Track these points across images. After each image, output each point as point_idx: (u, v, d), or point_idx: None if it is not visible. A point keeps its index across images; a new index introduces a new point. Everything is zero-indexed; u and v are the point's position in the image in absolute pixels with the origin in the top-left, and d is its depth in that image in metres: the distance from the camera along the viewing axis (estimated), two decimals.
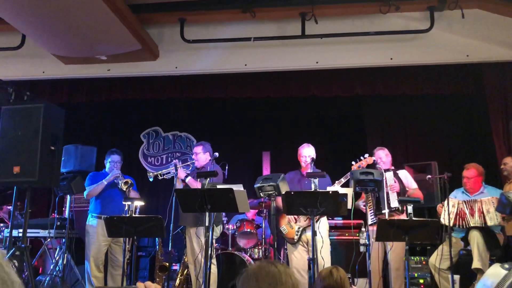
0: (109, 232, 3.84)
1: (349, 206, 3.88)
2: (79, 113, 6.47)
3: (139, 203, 4.37)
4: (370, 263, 3.92)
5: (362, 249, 3.97)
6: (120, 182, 4.81)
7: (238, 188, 3.69)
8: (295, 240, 4.32)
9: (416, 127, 6.41)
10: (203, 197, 3.46)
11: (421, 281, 4.77)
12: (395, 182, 4.34)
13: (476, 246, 4.17)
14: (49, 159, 3.56)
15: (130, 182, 4.83)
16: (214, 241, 4.26)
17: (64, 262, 4.80)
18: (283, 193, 3.69)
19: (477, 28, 4.86)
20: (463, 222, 4.29)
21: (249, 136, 7.40)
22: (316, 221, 4.19)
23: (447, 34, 4.94)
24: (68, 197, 5.15)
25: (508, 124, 4.98)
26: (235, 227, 5.46)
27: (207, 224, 3.55)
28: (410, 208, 3.59)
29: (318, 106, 6.77)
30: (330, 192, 3.57)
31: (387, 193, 4.28)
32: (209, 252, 3.58)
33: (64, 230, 5.01)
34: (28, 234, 4.57)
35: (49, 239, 5.20)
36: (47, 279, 5.01)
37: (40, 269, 5.73)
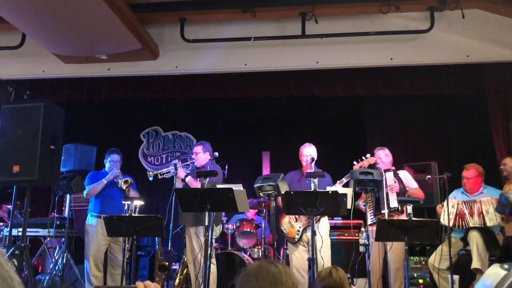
0: (108, 231, 3.84)
1: (349, 206, 3.89)
2: (79, 113, 6.48)
3: (138, 203, 4.38)
4: (370, 263, 3.93)
5: (361, 249, 3.97)
6: (120, 181, 4.81)
7: (237, 187, 3.69)
8: (296, 240, 4.32)
9: (416, 127, 6.42)
10: (203, 197, 3.46)
11: (421, 281, 4.77)
12: (395, 182, 4.34)
13: (475, 246, 4.18)
14: (49, 158, 3.56)
15: (130, 181, 4.83)
16: (213, 240, 4.26)
17: (64, 261, 4.80)
18: (283, 193, 3.69)
19: (477, 28, 4.86)
20: (463, 222, 4.30)
21: (249, 136, 7.40)
22: (317, 221, 4.20)
23: (447, 34, 4.94)
24: (68, 196, 5.15)
25: (508, 125, 4.98)
26: (234, 227, 5.47)
27: (206, 223, 3.55)
28: (409, 208, 3.60)
29: (318, 106, 6.77)
30: (330, 192, 3.57)
31: (387, 193, 4.28)
32: (209, 251, 3.58)
33: (63, 229, 5.01)
34: (27, 233, 4.57)
35: (48, 238, 5.21)
36: (46, 278, 5.01)
37: (40, 268, 5.73)
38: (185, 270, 4.85)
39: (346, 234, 5.34)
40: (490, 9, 4.74)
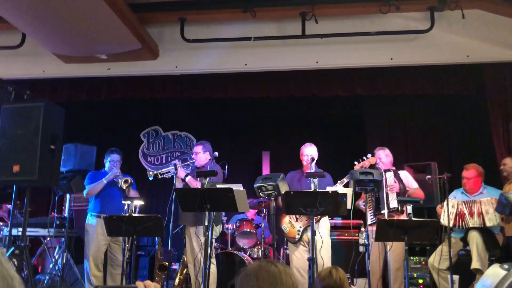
0: (108, 231, 3.84)
1: (349, 206, 3.89)
2: (79, 112, 6.47)
3: (138, 202, 4.38)
4: (370, 263, 3.93)
5: (361, 249, 3.97)
6: (120, 180, 4.81)
7: (237, 187, 3.70)
8: (296, 239, 4.32)
9: (416, 127, 6.42)
10: (203, 197, 3.46)
11: (420, 281, 4.77)
12: (395, 182, 4.33)
13: (475, 247, 4.18)
14: (48, 158, 3.56)
15: (130, 181, 4.83)
16: (213, 240, 4.26)
17: (64, 261, 4.80)
18: (283, 193, 3.69)
19: (477, 29, 4.86)
20: (463, 222, 4.30)
21: (249, 136, 7.40)
22: (317, 221, 4.20)
23: (447, 34, 4.94)
24: (68, 196, 5.15)
25: (508, 125, 4.98)
26: (234, 227, 5.47)
27: (206, 223, 3.55)
28: (409, 208, 3.60)
29: (318, 106, 6.77)
30: (330, 192, 3.57)
31: (387, 193, 4.28)
32: (209, 251, 3.58)
33: (63, 229, 5.01)
34: (27, 233, 4.56)
35: (48, 238, 5.21)
36: (46, 278, 5.01)
37: (40, 268, 5.73)
38: (185, 270, 4.85)
39: (346, 234, 5.34)
40: (490, 9, 4.74)
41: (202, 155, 4.60)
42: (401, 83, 5.58)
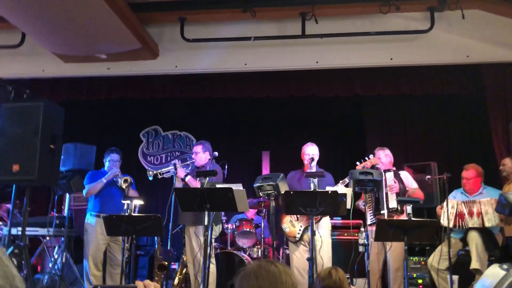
0: (108, 230, 3.83)
1: (348, 206, 3.88)
2: (79, 112, 6.47)
3: (138, 202, 4.37)
4: (369, 263, 3.93)
5: (361, 249, 3.97)
6: (119, 180, 4.81)
7: (237, 187, 3.69)
8: (297, 239, 4.31)
9: (416, 127, 6.42)
10: (202, 196, 3.46)
11: (420, 281, 4.77)
12: (395, 182, 4.33)
13: (474, 247, 4.18)
14: (48, 158, 3.56)
15: (129, 180, 4.83)
16: (213, 240, 4.26)
17: (63, 261, 4.80)
18: (282, 192, 3.69)
19: (477, 29, 4.86)
20: (462, 222, 4.30)
21: (249, 136, 7.40)
22: (318, 221, 4.19)
23: (447, 34, 4.94)
24: (67, 195, 5.15)
25: (507, 125, 4.98)
26: (234, 227, 5.46)
27: (206, 223, 3.55)
28: (409, 209, 3.60)
29: (318, 106, 6.77)
30: (329, 192, 3.57)
31: (386, 194, 4.28)
32: (208, 251, 3.58)
33: (63, 229, 5.00)
34: (27, 233, 4.55)
35: (48, 238, 5.20)
36: (45, 277, 5.00)
37: (39, 267, 5.72)
38: (185, 269, 4.85)
39: (346, 234, 5.34)
40: (490, 10, 4.74)
41: (202, 155, 4.60)
42: (401, 83, 5.58)
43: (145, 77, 5.79)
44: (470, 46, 4.92)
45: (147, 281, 1.18)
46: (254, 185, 3.90)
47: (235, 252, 5.04)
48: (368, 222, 4.29)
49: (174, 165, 4.57)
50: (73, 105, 5.87)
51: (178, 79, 5.80)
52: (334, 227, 5.42)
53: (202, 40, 5.12)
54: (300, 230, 4.30)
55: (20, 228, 3.80)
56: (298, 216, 4.31)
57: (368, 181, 3.81)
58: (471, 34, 4.89)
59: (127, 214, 3.89)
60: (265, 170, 6.90)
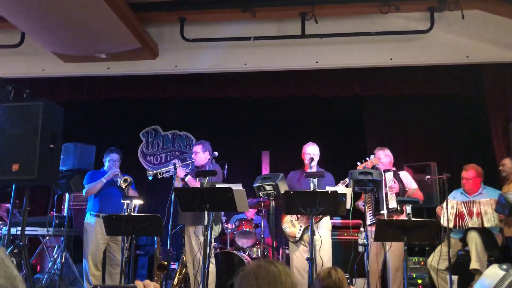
0: (107, 230, 3.83)
1: (348, 206, 3.88)
2: (79, 111, 6.47)
3: (137, 202, 4.37)
4: (369, 263, 3.93)
5: (360, 249, 3.97)
6: (119, 180, 4.80)
7: (237, 187, 3.69)
8: (297, 239, 4.31)
9: (416, 128, 6.43)
10: (202, 196, 3.46)
11: (419, 281, 4.77)
12: (394, 183, 4.33)
13: (474, 247, 4.18)
14: (48, 157, 3.56)
15: (129, 180, 4.82)
16: (212, 240, 4.26)
17: (63, 260, 4.79)
18: (282, 192, 3.69)
19: (477, 29, 4.87)
20: (462, 223, 4.30)
21: (249, 136, 7.40)
22: (318, 221, 4.19)
23: (447, 34, 4.94)
24: (67, 195, 5.14)
25: (507, 125, 4.98)
26: (234, 227, 5.46)
27: (206, 223, 3.55)
28: (409, 209, 3.60)
29: (318, 106, 6.77)
30: (329, 192, 3.57)
31: (386, 194, 4.28)
32: (208, 251, 3.57)
33: (62, 228, 5.00)
34: (26, 232, 4.56)
35: (47, 237, 5.20)
36: (45, 277, 5.00)
37: (38, 267, 5.72)
38: (184, 269, 4.85)
39: (345, 234, 5.34)
40: (490, 10, 4.75)
41: (201, 155, 4.60)
42: (400, 83, 5.58)
43: (145, 77, 5.79)
44: (470, 46, 4.92)
45: (147, 281, 1.18)
46: (254, 185, 3.90)
47: (234, 252, 5.04)
48: (368, 222, 4.29)
49: (174, 165, 4.57)
50: (73, 105, 5.87)
51: (178, 79, 5.80)
52: (334, 227, 5.42)
53: (202, 40, 5.12)
54: (300, 230, 4.30)
55: (19, 228, 3.79)
56: (299, 216, 4.31)
57: (367, 181, 3.81)
58: (471, 34, 4.89)
59: (126, 214, 3.89)
60: (265, 170, 6.90)
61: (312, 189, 3.96)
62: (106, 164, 4.96)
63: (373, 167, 4.25)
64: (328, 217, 4.41)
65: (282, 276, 1.38)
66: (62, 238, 4.96)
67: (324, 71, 5.39)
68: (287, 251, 5.27)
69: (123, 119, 7.52)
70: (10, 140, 3.53)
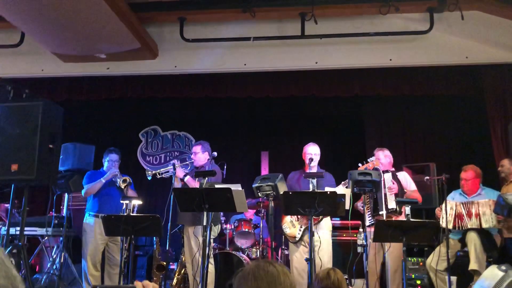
0: (106, 230, 3.83)
1: (347, 206, 3.88)
2: (78, 111, 6.47)
3: (137, 202, 4.37)
4: (368, 264, 3.93)
5: (359, 250, 3.97)
6: (118, 180, 4.80)
7: (236, 187, 3.69)
8: (297, 239, 4.31)
9: (415, 128, 6.43)
10: (201, 197, 3.45)
11: (418, 282, 4.77)
12: (393, 183, 4.34)
13: (473, 248, 4.18)
14: (47, 157, 3.55)
15: (128, 180, 4.82)
16: (212, 240, 4.25)
17: (61, 261, 4.79)
18: (281, 193, 3.69)
19: (477, 30, 4.87)
20: (461, 223, 4.30)
21: (248, 136, 7.40)
22: (318, 222, 4.19)
23: (447, 35, 4.95)
24: (66, 195, 5.14)
25: (506, 126, 4.99)
26: (233, 227, 5.46)
27: (205, 223, 3.54)
28: (408, 209, 3.60)
29: (318, 106, 6.77)
30: (328, 192, 3.57)
31: (385, 194, 4.28)
32: (207, 251, 3.57)
33: (61, 229, 5.00)
34: (25, 232, 4.55)
35: (46, 237, 5.20)
36: (44, 277, 5.00)
37: (37, 267, 5.72)
38: (183, 270, 4.85)
39: (344, 235, 5.34)
40: (489, 11, 4.75)
41: (201, 155, 4.59)
42: (400, 84, 5.59)
43: (144, 77, 5.79)
44: (469, 47, 4.92)
45: (146, 282, 1.18)
46: (253, 186, 3.90)
47: (233, 252, 5.03)
48: (367, 223, 4.29)
49: (173, 165, 4.57)
50: (73, 105, 5.87)
51: (178, 79, 5.80)
52: (333, 228, 5.42)
53: (202, 40, 5.12)
54: (300, 230, 4.29)
55: (18, 228, 3.79)
56: (299, 216, 4.30)
57: (366, 182, 3.81)
58: (470, 35, 4.89)
59: (125, 214, 3.88)
60: (264, 171, 6.90)
61: (311, 190, 3.96)
62: (105, 164, 4.96)
63: (374, 169, 4.25)
64: (328, 218, 4.40)
65: (281, 277, 1.38)
66: (61, 238, 4.96)
67: (323, 71, 5.39)
68: (286, 252, 5.27)
69: (122, 119, 7.52)
70: (9, 140, 3.53)
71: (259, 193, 3.88)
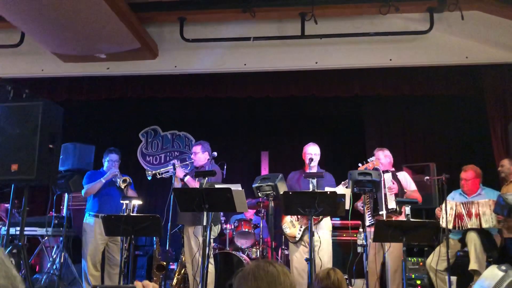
0: (106, 230, 3.83)
1: (347, 206, 3.88)
2: (78, 111, 6.47)
3: (136, 202, 4.36)
4: (368, 264, 3.93)
5: (359, 250, 3.97)
6: (118, 180, 4.80)
7: (236, 187, 3.69)
8: (297, 239, 4.31)
9: (415, 128, 6.43)
10: (201, 197, 3.45)
11: (418, 282, 4.77)
12: (393, 183, 4.34)
13: (473, 248, 4.18)
14: (47, 157, 3.55)
15: (128, 180, 4.82)
16: (212, 240, 4.25)
17: (61, 261, 4.79)
18: (281, 193, 3.69)
19: (477, 30, 4.87)
20: (462, 223, 4.30)
21: (248, 136, 7.40)
22: (318, 221, 4.19)
23: (447, 35, 4.95)
24: (66, 195, 5.14)
25: (506, 126, 4.99)
26: (233, 227, 5.46)
27: (205, 223, 3.54)
28: (408, 209, 3.60)
29: (318, 106, 6.77)
30: (328, 192, 3.57)
31: (385, 194, 4.28)
32: (207, 251, 3.57)
33: (61, 229, 5.00)
34: (25, 232, 4.55)
35: (46, 237, 5.20)
36: (44, 277, 5.00)
37: (37, 267, 5.72)
38: (183, 270, 4.85)
39: (344, 235, 5.34)
40: (489, 11, 4.75)
41: (201, 155, 4.59)
42: (400, 84, 5.59)
43: (144, 77, 5.79)
44: (469, 47, 4.92)
45: (146, 282, 1.18)
46: (253, 186, 3.90)
47: (233, 252, 5.04)
48: (367, 223, 4.29)
49: (173, 165, 4.57)
50: (73, 105, 5.87)
51: (178, 79, 5.80)
52: (333, 228, 5.42)
53: (202, 40, 5.12)
54: (300, 230, 4.29)
55: (18, 228, 3.79)
56: (299, 216, 4.30)
57: (366, 182, 3.81)
58: (470, 35, 4.89)
59: (125, 214, 3.88)
60: (264, 171, 6.90)
61: (311, 190, 3.96)
62: (105, 164, 4.96)
63: (374, 169, 4.25)
64: (328, 218, 4.40)
65: (281, 277, 1.38)
66: (61, 238, 4.96)
67: (323, 71, 5.39)
68: (286, 252, 5.27)
69: (122, 119, 7.52)
70: (9, 140, 3.53)
71: (259, 193, 3.88)
